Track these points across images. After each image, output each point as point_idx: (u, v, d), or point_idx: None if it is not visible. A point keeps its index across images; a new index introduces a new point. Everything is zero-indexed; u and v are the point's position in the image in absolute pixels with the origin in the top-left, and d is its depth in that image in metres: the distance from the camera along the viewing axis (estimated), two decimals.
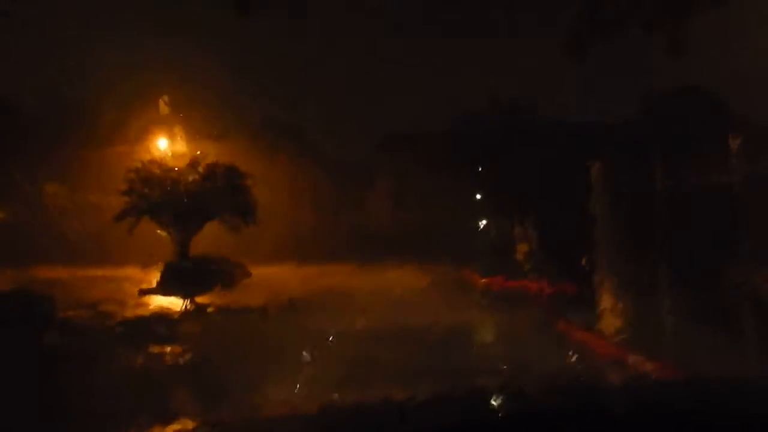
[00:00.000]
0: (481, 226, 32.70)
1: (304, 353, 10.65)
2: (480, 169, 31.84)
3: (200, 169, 26.40)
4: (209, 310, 18.78)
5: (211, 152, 27.20)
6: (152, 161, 26.85)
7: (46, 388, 9.56)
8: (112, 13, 33.14)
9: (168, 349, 12.91)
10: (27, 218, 30.54)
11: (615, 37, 10.29)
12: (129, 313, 17.97)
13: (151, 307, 19.50)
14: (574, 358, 10.91)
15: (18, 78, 32.94)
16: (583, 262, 15.13)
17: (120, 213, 25.60)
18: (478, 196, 32.98)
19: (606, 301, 12.83)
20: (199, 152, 26.99)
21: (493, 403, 3.77)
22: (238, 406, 8.62)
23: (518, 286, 20.69)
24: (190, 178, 26.13)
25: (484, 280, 23.39)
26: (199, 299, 19.99)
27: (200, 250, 25.97)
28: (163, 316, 17.60)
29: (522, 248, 25.44)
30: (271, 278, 24.06)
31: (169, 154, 27.66)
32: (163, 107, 28.10)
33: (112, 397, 9.05)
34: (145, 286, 22.79)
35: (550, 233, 22.18)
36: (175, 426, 4.15)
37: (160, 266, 24.48)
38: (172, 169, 26.38)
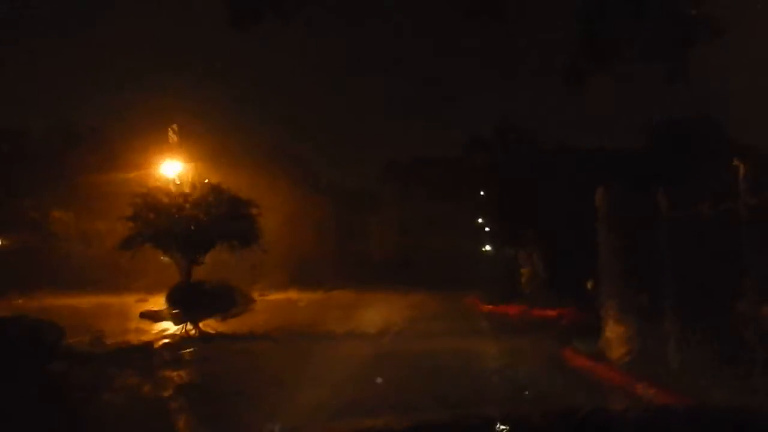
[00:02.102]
0: (486, 253, 32.70)
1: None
2: (485, 196, 31.90)
3: (206, 197, 26.49)
4: (212, 335, 18.76)
5: (217, 179, 27.32)
6: (158, 188, 26.95)
7: (50, 415, 9.54)
8: (119, 44, 33.43)
9: (170, 375, 12.89)
10: (33, 245, 30.64)
11: (613, 66, 10.40)
12: (131, 338, 17.95)
13: (154, 333, 19.49)
14: (579, 385, 10.86)
15: (26, 107, 33.23)
16: (588, 288, 15.12)
17: (125, 240, 25.64)
18: (482, 223, 33.00)
19: (611, 328, 12.78)
20: (205, 179, 27.10)
21: (498, 431, 3.77)
22: None
23: (523, 312, 20.64)
24: (196, 205, 26.20)
25: (488, 307, 23.36)
26: (202, 324, 19.98)
27: (204, 276, 25.99)
28: (165, 342, 17.59)
29: (526, 275, 25.43)
30: (275, 304, 24.07)
31: (175, 181, 27.76)
32: (171, 135, 28.25)
33: (116, 424, 9.04)
34: (149, 311, 22.78)
35: (554, 260, 22.16)
36: None
37: (165, 292, 24.50)
38: (177, 196, 26.46)
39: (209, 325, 20.04)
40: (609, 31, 9.87)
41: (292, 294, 25.95)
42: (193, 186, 26.87)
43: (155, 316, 22.24)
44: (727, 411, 4.06)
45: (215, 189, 26.77)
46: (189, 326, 19.81)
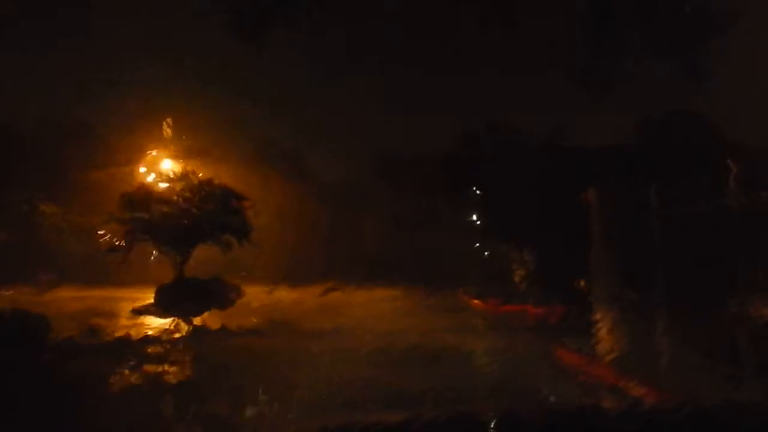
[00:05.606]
0: (478, 250, 32.70)
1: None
2: (477, 192, 31.90)
3: (197, 191, 26.39)
4: (203, 330, 18.70)
5: (209, 174, 27.21)
6: (149, 182, 26.86)
7: (39, 408, 9.49)
8: (111, 37, 33.24)
9: (160, 370, 12.87)
10: (23, 238, 30.48)
11: (624, 64, 10.39)
12: (122, 333, 17.87)
13: (144, 328, 19.41)
14: (569, 383, 10.88)
15: (16, 101, 32.97)
16: (580, 286, 15.14)
17: (117, 235, 25.52)
18: (475, 219, 33.01)
19: (602, 326, 12.81)
20: (200, 174, 27.01)
21: (490, 427, 3.76)
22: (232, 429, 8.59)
23: (514, 310, 20.65)
24: (187, 200, 26.11)
25: (480, 304, 23.36)
26: (193, 319, 19.91)
27: (195, 271, 25.89)
28: (156, 338, 17.53)
29: (519, 272, 25.43)
30: (266, 299, 23.99)
31: (167, 175, 27.64)
32: (165, 129, 28.16)
33: (104, 418, 9.01)
34: (139, 306, 22.69)
35: (547, 257, 22.18)
36: None
37: (157, 287, 24.42)
38: (169, 191, 26.37)
39: (200, 321, 19.97)
40: (620, 28, 9.87)
41: (283, 289, 25.86)
42: (185, 180, 26.79)
43: (146, 312, 22.15)
44: (718, 408, 4.05)
45: (207, 183, 26.69)
46: (180, 322, 19.75)
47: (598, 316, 13.03)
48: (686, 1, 10.36)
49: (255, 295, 24.73)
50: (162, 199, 26.05)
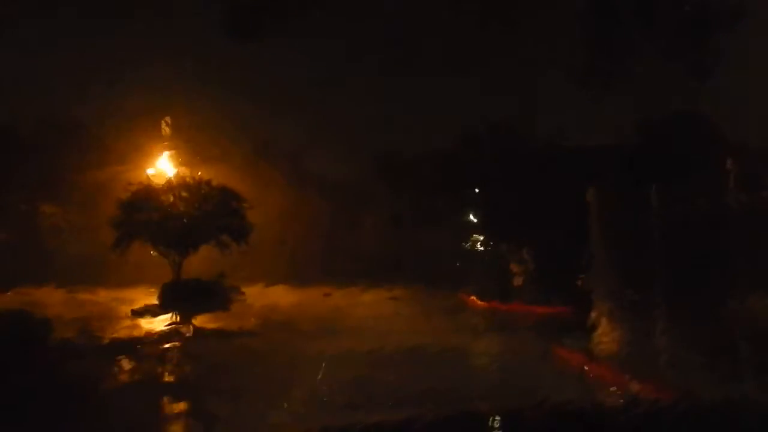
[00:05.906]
0: (478, 250, 32.70)
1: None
2: (477, 192, 31.88)
3: (196, 192, 26.39)
4: (202, 331, 18.71)
5: (208, 174, 27.23)
6: (149, 183, 26.87)
7: (40, 409, 9.51)
8: (110, 37, 33.19)
9: (158, 370, 12.88)
10: (23, 238, 30.48)
11: (624, 64, 10.43)
12: (122, 334, 17.89)
13: (145, 329, 19.41)
14: (569, 382, 10.89)
15: (16, 101, 32.93)
16: (580, 286, 15.14)
17: (117, 236, 25.53)
18: (475, 219, 33.00)
19: (602, 325, 12.82)
20: (198, 173, 27.02)
21: (491, 426, 3.77)
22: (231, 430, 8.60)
23: (515, 309, 20.66)
24: (187, 201, 26.12)
25: (480, 304, 23.37)
26: (193, 321, 19.91)
27: (195, 272, 25.88)
28: (155, 338, 17.53)
29: (519, 272, 25.44)
30: (265, 300, 23.99)
31: (166, 176, 27.66)
32: (164, 129, 28.20)
33: (104, 418, 9.02)
34: (139, 307, 22.67)
35: (547, 257, 22.18)
36: None
37: (156, 288, 24.43)
38: (168, 191, 26.37)
39: (200, 322, 19.98)
40: (620, 28, 9.91)
41: (284, 290, 25.87)
42: (184, 181, 26.79)
43: (146, 313, 22.14)
44: (716, 406, 4.07)
45: (206, 184, 26.69)
46: (180, 322, 19.75)
47: (597, 316, 13.03)
48: (687, 1, 10.42)
49: (255, 295, 24.72)
50: (161, 199, 26.05)
